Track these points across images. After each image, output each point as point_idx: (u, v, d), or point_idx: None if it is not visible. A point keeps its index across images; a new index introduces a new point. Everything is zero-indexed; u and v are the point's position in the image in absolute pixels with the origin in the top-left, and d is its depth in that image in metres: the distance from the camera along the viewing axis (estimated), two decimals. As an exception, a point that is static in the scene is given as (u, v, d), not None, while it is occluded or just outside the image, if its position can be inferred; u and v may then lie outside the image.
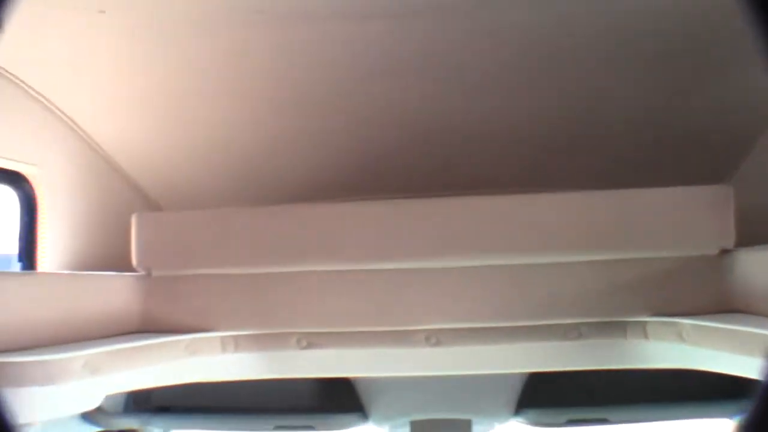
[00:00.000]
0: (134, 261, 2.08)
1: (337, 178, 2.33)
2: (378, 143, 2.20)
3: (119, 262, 2.42)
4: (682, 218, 1.97)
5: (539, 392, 2.46)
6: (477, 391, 2.44)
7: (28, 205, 2.45)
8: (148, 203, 2.62)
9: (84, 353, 1.62)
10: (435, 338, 2.01)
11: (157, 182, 2.53)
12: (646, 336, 2.01)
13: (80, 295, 1.88)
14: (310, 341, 1.99)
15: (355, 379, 2.39)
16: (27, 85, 2.18)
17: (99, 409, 2.29)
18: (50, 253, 2.47)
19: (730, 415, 2.80)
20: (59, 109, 2.26)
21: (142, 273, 2.08)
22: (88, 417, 2.26)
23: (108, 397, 2.29)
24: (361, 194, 2.27)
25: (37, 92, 2.20)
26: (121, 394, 2.40)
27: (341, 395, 2.43)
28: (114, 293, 1.99)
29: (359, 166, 2.27)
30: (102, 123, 2.34)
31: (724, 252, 1.98)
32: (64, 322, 1.73)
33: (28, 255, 2.51)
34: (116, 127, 2.36)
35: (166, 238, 2.08)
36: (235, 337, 1.97)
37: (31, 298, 1.67)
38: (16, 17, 1.95)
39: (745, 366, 1.70)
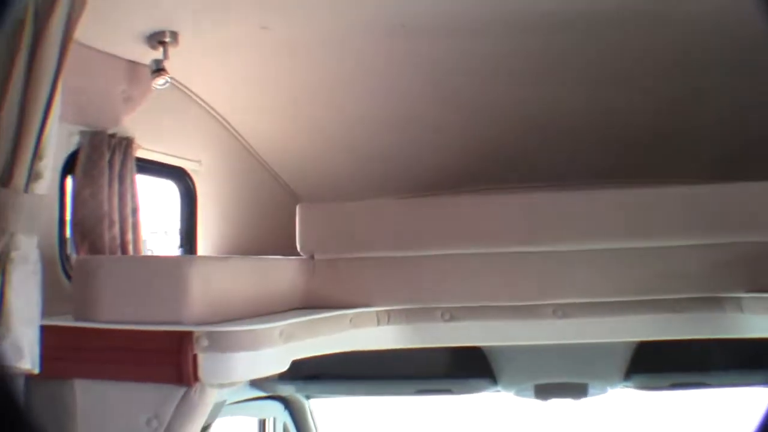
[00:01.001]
0: (299, 246, 2.35)
1: (462, 170, 2.59)
2: (501, 139, 2.45)
3: (263, 245, 2.72)
4: None
5: (646, 360, 2.71)
6: (592, 358, 2.71)
7: (188, 197, 2.77)
8: (289, 195, 2.92)
9: (281, 324, 1.93)
10: (561, 311, 2.26)
11: (297, 176, 2.81)
12: (741, 310, 2.21)
13: (261, 276, 2.17)
14: (453, 315, 2.25)
15: (487, 348, 2.67)
16: (194, 93, 2.49)
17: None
18: (205, 238, 2.79)
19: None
20: (218, 114, 2.58)
21: (306, 257, 2.36)
22: (254, 382, 2.59)
23: None
24: (486, 184, 2.52)
25: (202, 100, 2.52)
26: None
27: (474, 363, 2.73)
28: (284, 274, 2.27)
29: (484, 158, 2.51)
30: (253, 125, 2.64)
31: None
32: (249, 299, 2.03)
33: (188, 240, 2.84)
34: (265, 128, 2.66)
35: (327, 226, 2.36)
36: (388, 312, 2.24)
37: (225, 278, 1.97)
38: (185, 34, 2.25)
39: None
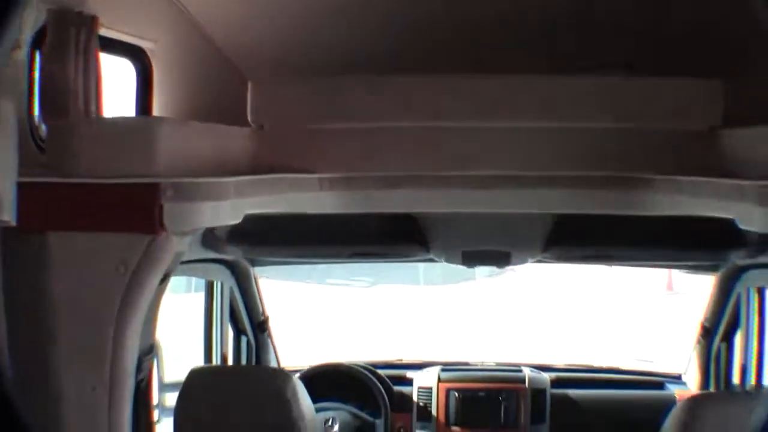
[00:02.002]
0: (250, 118, 2.56)
1: (396, 49, 2.73)
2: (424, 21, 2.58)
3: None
4: (678, 98, 2.44)
5: (563, 233, 3.02)
6: (515, 229, 3.02)
7: (144, 75, 2.93)
8: (239, 77, 3.08)
9: (235, 179, 2.18)
10: (486, 182, 2.52)
11: (249, 58, 2.97)
12: (652, 190, 2.45)
13: (216, 139, 2.39)
14: (386, 183, 2.50)
15: (419, 216, 2.95)
16: None
17: (214, 236, 2.88)
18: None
19: (715, 261, 3.38)
20: None
21: (256, 127, 2.57)
22: (206, 243, 2.85)
23: (219, 229, 2.88)
24: (413, 63, 2.69)
25: None
26: (224, 230, 2.96)
27: (408, 230, 3.01)
28: (237, 141, 2.49)
29: (413, 39, 2.64)
30: (207, 7, 2.78)
31: (715, 128, 2.45)
32: (207, 159, 2.24)
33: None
34: (219, 11, 2.80)
35: (276, 101, 2.57)
36: (329, 179, 2.48)
37: (187, 138, 2.18)
38: None
39: (728, 210, 2.20)
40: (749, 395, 2.87)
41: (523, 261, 3.26)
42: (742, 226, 2.19)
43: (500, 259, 3.21)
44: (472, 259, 3.22)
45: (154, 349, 2.38)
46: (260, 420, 2.26)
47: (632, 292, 13.13)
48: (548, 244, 3.10)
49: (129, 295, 1.98)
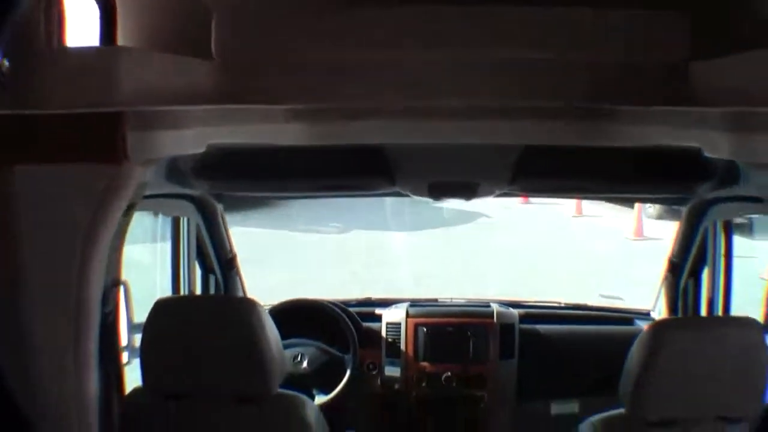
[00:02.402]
0: (214, 52, 2.51)
1: None
2: None
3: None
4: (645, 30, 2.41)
5: (532, 164, 3.00)
6: (483, 160, 3.00)
7: (106, 8, 2.86)
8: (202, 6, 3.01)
9: (199, 108, 2.14)
10: (451, 112, 2.49)
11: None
12: (619, 120, 2.42)
13: (180, 69, 2.34)
14: (354, 114, 2.46)
15: (387, 150, 2.93)
16: None
17: (179, 170, 2.85)
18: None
19: (683, 194, 3.40)
20: None
21: (220, 58, 2.52)
22: (171, 177, 2.81)
23: (184, 163, 2.84)
24: None
25: None
26: (189, 164, 2.92)
27: (374, 163, 2.99)
28: (201, 73, 2.44)
29: None
30: None
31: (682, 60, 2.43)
32: (170, 89, 2.19)
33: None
34: None
35: (241, 32, 2.51)
36: (295, 110, 2.44)
37: (151, 68, 2.13)
38: None
39: (694, 138, 2.21)
40: (716, 321, 2.90)
41: (491, 192, 3.24)
42: (707, 154, 2.21)
43: (467, 190, 3.19)
44: (438, 190, 3.20)
45: (120, 283, 2.37)
46: (225, 346, 2.24)
47: (602, 238, 13.28)
48: (515, 175, 3.07)
49: (93, 226, 1.98)
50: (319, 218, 13.56)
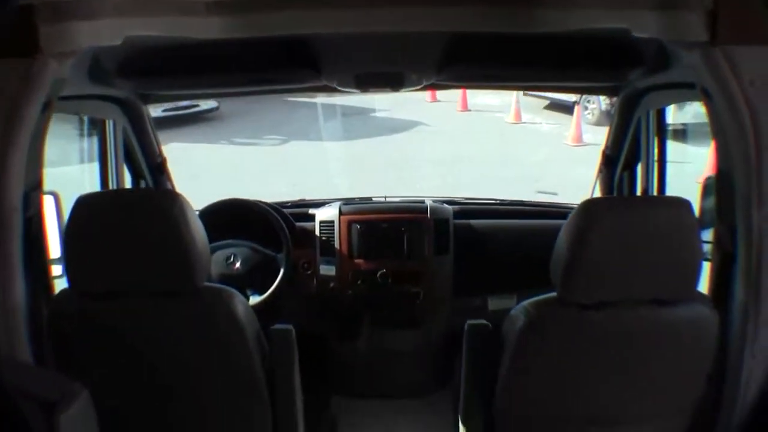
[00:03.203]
0: None
1: None
2: None
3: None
4: None
5: (459, 54, 2.92)
6: (409, 49, 2.90)
7: None
8: None
9: None
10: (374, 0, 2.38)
11: None
12: (544, 4, 2.24)
13: None
14: (274, 4, 2.34)
15: (312, 42, 2.81)
16: None
17: (101, 68, 2.72)
18: None
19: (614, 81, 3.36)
20: None
21: None
22: (94, 77, 2.69)
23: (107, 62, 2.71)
24: None
25: None
26: (113, 63, 2.80)
27: (301, 56, 2.88)
28: None
29: None
30: None
31: None
32: None
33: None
34: None
35: None
36: (216, 2, 2.31)
37: None
38: None
39: (621, 19, 2.14)
40: (647, 201, 2.86)
41: (418, 83, 3.15)
42: (635, 34, 2.15)
43: (394, 80, 3.11)
44: (364, 82, 3.11)
45: (41, 187, 2.27)
46: (147, 241, 2.16)
47: (541, 145, 13.39)
48: (442, 65, 3.00)
49: (9, 125, 1.93)
50: (259, 131, 13.57)
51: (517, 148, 13.00)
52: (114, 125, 3.45)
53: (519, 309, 2.31)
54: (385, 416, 4.12)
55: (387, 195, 4.22)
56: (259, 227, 3.70)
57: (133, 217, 2.18)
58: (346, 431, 3.98)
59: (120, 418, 2.25)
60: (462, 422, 2.57)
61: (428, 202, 3.83)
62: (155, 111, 9.99)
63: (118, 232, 2.17)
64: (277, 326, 2.43)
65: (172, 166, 3.89)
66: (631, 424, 2.38)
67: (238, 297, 2.31)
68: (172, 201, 2.17)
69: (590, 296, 2.18)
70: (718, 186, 2.27)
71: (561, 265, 2.17)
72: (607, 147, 3.73)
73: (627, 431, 2.40)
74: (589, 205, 2.25)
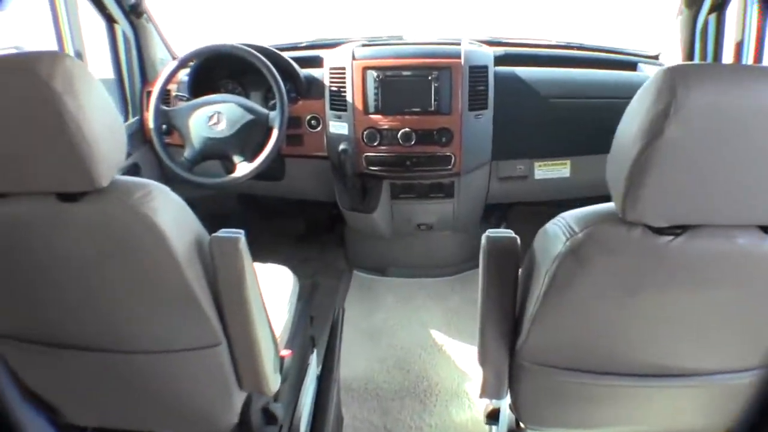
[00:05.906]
0: None
1: None
2: None
3: None
4: None
5: None
6: None
7: None
8: None
9: None
10: None
11: None
12: None
13: None
14: None
15: None
16: None
17: None
18: None
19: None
20: None
21: None
22: None
23: None
24: None
25: None
26: None
27: None
28: None
29: None
30: None
31: None
32: None
33: None
34: None
35: None
36: None
37: None
38: None
39: None
40: (749, 69, 1.94)
41: None
42: None
43: None
44: None
45: None
46: (24, 125, 1.48)
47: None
48: None
49: None
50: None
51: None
52: None
53: (559, 224, 1.59)
54: (408, 294, 3.62)
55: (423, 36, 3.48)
56: (251, 77, 3.06)
57: (8, 98, 1.49)
58: (366, 319, 3.48)
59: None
60: (481, 365, 1.93)
61: (464, 45, 3.11)
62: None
63: None
64: (221, 233, 1.76)
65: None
66: (702, 377, 1.74)
67: (162, 195, 1.62)
68: (54, 67, 1.47)
69: (667, 215, 1.44)
70: None
71: (626, 163, 1.42)
72: None
73: (697, 384, 1.76)
74: (675, 75, 1.43)
